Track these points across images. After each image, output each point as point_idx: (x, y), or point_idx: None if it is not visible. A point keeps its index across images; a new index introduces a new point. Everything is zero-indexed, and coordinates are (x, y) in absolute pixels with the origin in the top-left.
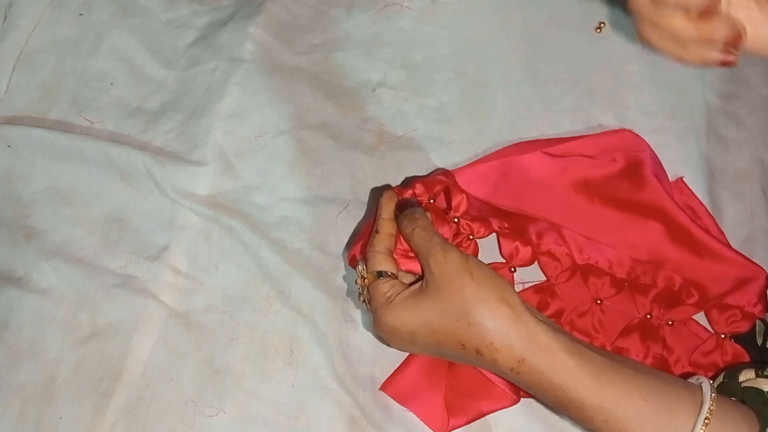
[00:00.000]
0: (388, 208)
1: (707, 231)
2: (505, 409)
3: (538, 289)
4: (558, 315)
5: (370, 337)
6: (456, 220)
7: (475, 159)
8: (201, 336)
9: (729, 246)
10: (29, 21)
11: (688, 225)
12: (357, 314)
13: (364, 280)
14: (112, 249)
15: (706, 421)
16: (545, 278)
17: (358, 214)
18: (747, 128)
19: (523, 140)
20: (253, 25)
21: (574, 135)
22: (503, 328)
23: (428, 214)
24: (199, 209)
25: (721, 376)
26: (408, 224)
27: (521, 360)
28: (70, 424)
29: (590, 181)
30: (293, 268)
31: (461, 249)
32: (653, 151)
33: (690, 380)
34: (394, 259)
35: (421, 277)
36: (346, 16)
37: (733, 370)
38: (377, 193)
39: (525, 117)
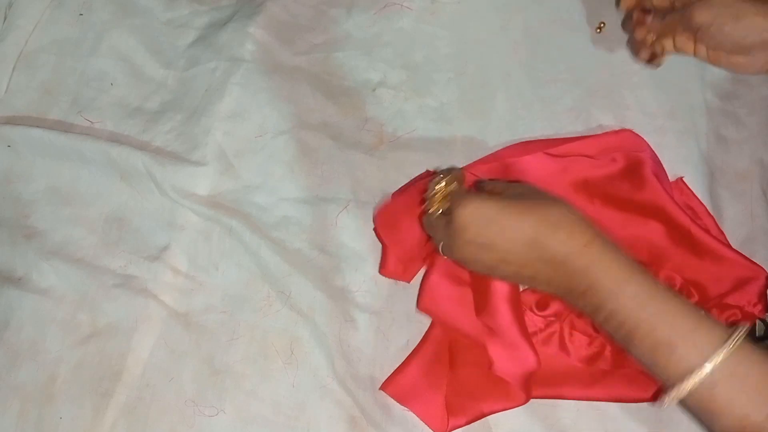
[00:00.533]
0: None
1: (707, 231)
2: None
3: None
4: (558, 315)
5: (370, 337)
6: None
7: (475, 159)
8: (201, 336)
9: (729, 246)
10: (29, 21)
11: (688, 225)
12: (357, 314)
13: (451, 188)
14: (112, 249)
15: (736, 340)
16: None
17: (358, 214)
18: (747, 128)
19: (523, 140)
20: (253, 25)
21: (574, 135)
22: (575, 220)
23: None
24: (199, 209)
25: None
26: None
27: (590, 242)
28: (70, 424)
29: (590, 181)
30: (293, 268)
31: None
32: (653, 151)
33: None
34: None
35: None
36: (346, 16)
37: None
38: (376, 193)
39: (525, 117)
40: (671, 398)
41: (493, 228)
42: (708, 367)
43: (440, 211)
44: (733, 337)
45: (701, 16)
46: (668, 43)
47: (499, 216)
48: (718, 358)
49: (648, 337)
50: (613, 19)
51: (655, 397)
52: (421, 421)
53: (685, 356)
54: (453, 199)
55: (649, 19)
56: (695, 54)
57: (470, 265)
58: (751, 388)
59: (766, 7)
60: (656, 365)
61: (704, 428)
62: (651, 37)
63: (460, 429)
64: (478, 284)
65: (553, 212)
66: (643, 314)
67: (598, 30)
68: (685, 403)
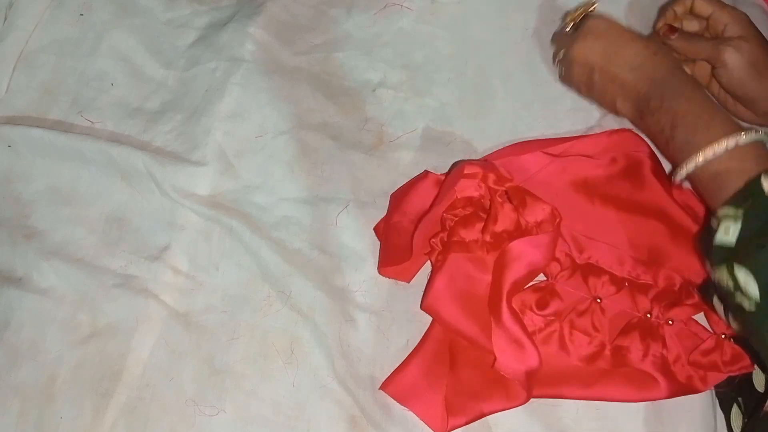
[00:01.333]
0: None
1: None
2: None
3: (537, 288)
4: (558, 314)
5: (370, 337)
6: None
7: (475, 159)
8: (201, 336)
9: None
10: (29, 21)
11: (688, 225)
12: (357, 314)
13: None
14: (112, 249)
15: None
16: (545, 277)
17: (358, 214)
18: None
19: (523, 140)
20: (254, 25)
21: (574, 135)
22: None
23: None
24: (199, 209)
25: None
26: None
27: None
28: (70, 424)
29: (590, 181)
30: (293, 268)
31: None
32: (653, 151)
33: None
34: None
35: None
36: (346, 16)
37: None
38: (376, 193)
39: (525, 117)
40: (702, 157)
41: (613, 32)
42: (731, 142)
43: (572, 25)
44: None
45: (732, 60)
46: (687, 67)
47: (619, 29)
48: (739, 138)
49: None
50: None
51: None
52: (421, 421)
53: (714, 134)
54: (586, 16)
55: (674, 36)
56: (707, 87)
57: (576, 68)
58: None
59: None
60: (687, 141)
61: (710, 203)
62: None
63: (460, 429)
64: (493, 284)
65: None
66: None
67: None
68: (698, 174)
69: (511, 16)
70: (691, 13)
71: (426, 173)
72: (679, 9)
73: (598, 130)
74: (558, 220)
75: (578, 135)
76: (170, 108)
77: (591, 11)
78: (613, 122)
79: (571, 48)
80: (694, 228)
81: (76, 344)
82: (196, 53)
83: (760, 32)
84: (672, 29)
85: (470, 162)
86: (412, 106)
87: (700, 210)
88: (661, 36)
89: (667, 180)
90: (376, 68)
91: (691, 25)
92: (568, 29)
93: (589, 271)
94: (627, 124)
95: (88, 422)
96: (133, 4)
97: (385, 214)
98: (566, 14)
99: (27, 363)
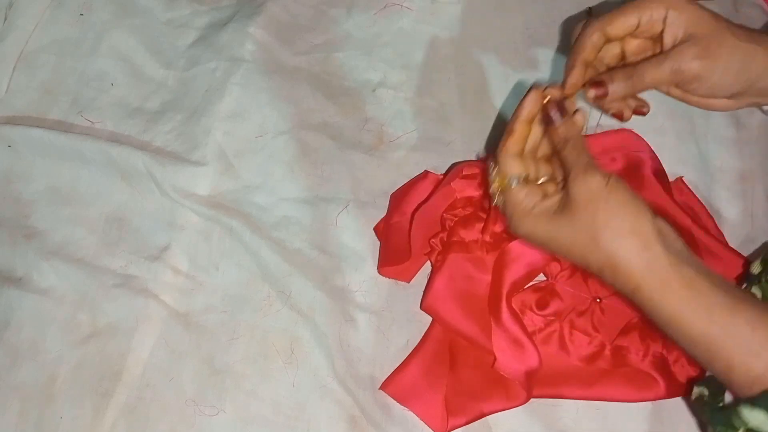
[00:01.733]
0: (529, 111)
1: (707, 231)
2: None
3: (537, 288)
4: (558, 314)
5: (370, 337)
6: None
7: (474, 159)
8: (201, 336)
9: (729, 246)
10: (29, 21)
11: (688, 225)
12: (357, 314)
13: (497, 185)
14: (112, 249)
15: None
16: (545, 277)
17: (358, 214)
18: (747, 128)
19: None
20: (254, 25)
21: None
22: (626, 257)
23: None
24: (199, 209)
25: None
26: (561, 142)
27: (637, 287)
28: (70, 424)
29: None
30: (293, 268)
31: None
32: (653, 151)
33: None
34: (527, 157)
35: (558, 184)
36: (346, 16)
37: None
38: (376, 193)
39: None
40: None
41: (543, 247)
42: None
43: (499, 197)
44: None
45: (702, 69)
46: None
47: (548, 246)
48: None
49: (706, 353)
50: None
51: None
52: (421, 421)
53: (745, 371)
54: (505, 202)
55: (611, 88)
56: (668, 94)
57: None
58: None
59: (751, 47)
60: (718, 374)
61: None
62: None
63: (460, 429)
64: (493, 284)
65: (600, 255)
66: (703, 329)
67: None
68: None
69: (510, 16)
70: (608, 40)
71: (426, 173)
72: (589, 52)
73: (598, 130)
74: None
75: None
76: (170, 108)
77: (510, 184)
78: (613, 122)
79: (506, 223)
80: (694, 228)
81: (76, 344)
82: (196, 53)
83: (702, 8)
84: (598, 85)
85: (470, 162)
86: (412, 106)
87: (700, 210)
88: (593, 103)
89: (666, 180)
90: (376, 68)
91: (613, 59)
92: (495, 202)
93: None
94: (627, 125)
95: (88, 422)
96: (133, 4)
97: (385, 214)
98: (490, 169)
99: (27, 363)
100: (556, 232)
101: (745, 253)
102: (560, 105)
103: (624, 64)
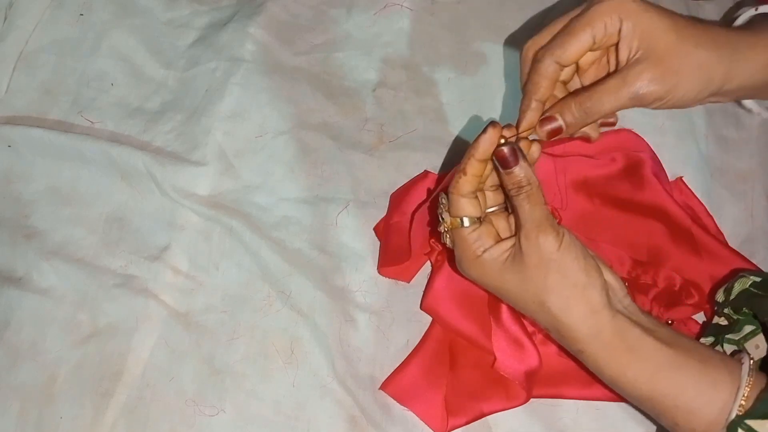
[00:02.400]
0: (484, 150)
1: (707, 231)
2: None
3: None
4: None
5: (370, 337)
6: None
7: None
8: (201, 336)
9: (728, 246)
10: (29, 21)
11: (688, 225)
12: (357, 314)
13: (446, 224)
14: (112, 249)
15: (742, 402)
16: None
17: (358, 214)
18: (747, 128)
19: None
20: (254, 25)
21: None
22: (571, 324)
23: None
24: (199, 209)
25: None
26: (515, 189)
27: (581, 351)
28: (70, 424)
29: (590, 181)
30: (293, 268)
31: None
32: (653, 151)
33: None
34: (479, 197)
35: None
36: (346, 16)
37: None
38: (376, 193)
39: None
40: None
41: (492, 292)
42: (731, 416)
43: (448, 237)
44: (742, 384)
45: (651, 92)
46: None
47: (497, 293)
48: (733, 410)
49: (652, 411)
50: None
51: None
52: (421, 421)
53: (704, 419)
54: (454, 243)
55: (566, 121)
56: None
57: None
58: None
59: (714, 55)
60: (666, 427)
61: None
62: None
63: (460, 429)
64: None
65: (548, 317)
66: (646, 391)
67: None
68: None
69: (510, 16)
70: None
71: (426, 173)
72: (545, 90)
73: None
74: (558, 220)
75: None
76: (170, 108)
77: (461, 224)
78: None
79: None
80: (694, 228)
81: (76, 344)
82: (196, 53)
83: (659, 15)
84: (549, 120)
85: None
86: (412, 106)
87: (700, 210)
88: (547, 139)
89: (667, 180)
90: (376, 68)
91: (565, 71)
92: (443, 240)
93: None
94: (627, 125)
95: (88, 422)
96: (133, 4)
97: (385, 214)
98: (440, 209)
99: (27, 363)
100: (505, 283)
101: (745, 253)
102: (515, 148)
103: (575, 90)
